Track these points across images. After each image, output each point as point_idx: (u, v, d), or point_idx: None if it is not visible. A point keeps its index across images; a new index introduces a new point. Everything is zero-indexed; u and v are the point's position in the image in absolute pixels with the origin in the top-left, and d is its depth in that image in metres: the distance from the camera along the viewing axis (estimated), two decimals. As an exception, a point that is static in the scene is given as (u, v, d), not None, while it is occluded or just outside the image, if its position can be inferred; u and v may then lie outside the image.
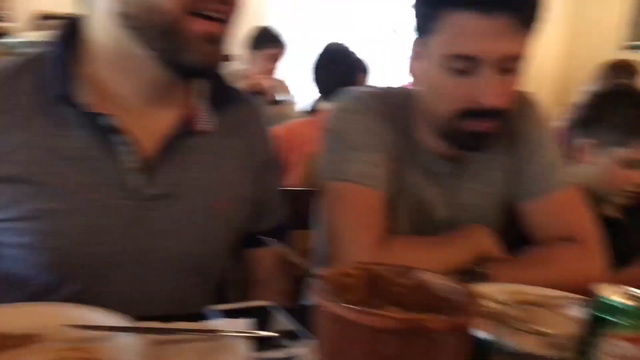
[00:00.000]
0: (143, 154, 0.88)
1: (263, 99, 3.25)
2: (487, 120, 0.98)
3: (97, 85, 0.87)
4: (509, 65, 0.96)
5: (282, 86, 3.56)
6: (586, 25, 5.40)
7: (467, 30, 0.93)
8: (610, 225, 1.47)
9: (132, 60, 0.86)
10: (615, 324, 0.59)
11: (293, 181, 1.95)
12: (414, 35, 1.05)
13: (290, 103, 3.56)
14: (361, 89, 1.14)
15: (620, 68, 3.18)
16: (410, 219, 1.11)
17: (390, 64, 4.31)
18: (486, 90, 0.95)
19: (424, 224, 1.12)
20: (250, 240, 1.05)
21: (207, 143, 0.94)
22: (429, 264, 0.69)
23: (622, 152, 1.44)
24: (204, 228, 0.94)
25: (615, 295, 0.61)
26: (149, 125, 0.90)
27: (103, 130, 0.85)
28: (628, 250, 1.46)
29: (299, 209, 1.34)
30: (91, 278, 0.88)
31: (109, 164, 0.86)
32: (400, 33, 4.50)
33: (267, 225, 1.06)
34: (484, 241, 1.05)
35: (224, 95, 0.98)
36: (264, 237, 0.62)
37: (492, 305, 0.67)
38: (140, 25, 0.82)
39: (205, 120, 0.94)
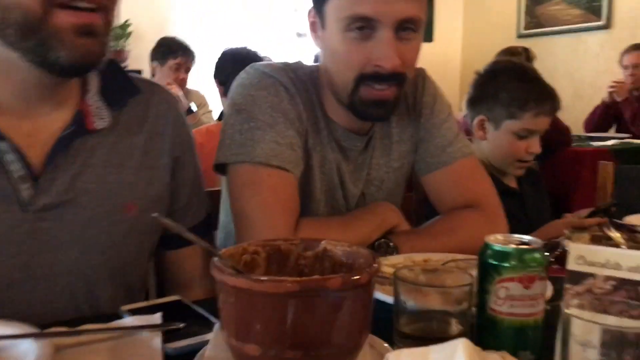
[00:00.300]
0: (33, 161, 0.82)
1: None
2: (387, 84, 0.98)
3: None
4: (407, 29, 0.97)
5: (196, 96, 3.53)
6: (485, 16, 5.68)
7: None
8: (509, 196, 1.57)
9: (2, 62, 0.80)
10: (503, 267, 0.63)
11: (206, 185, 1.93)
12: (309, 7, 1.05)
13: (206, 112, 3.53)
14: (266, 63, 1.10)
15: (516, 54, 3.35)
16: (325, 195, 1.12)
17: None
18: (384, 53, 0.95)
19: (337, 200, 1.13)
20: (172, 240, 1.02)
21: (104, 142, 0.88)
22: None
23: (513, 125, 1.54)
24: (111, 234, 0.88)
25: (500, 242, 0.65)
26: (37, 129, 0.84)
27: None
28: (526, 219, 1.55)
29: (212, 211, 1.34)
30: None
31: None
32: (306, 36, 4.56)
33: (189, 223, 1.01)
34: (390, 216, 1.08)
35: (121, 90, 0.92)
36: (187, 234, 0.60)
37: (396, 270, 0.69)
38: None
39: (100, 117, 0.87)
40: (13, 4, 0.74)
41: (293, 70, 1.09)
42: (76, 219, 0.85)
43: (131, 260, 0.94)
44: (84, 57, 0.78)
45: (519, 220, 1.51)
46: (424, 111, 1.17)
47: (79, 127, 0.86)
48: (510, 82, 1.56)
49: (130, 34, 4.04)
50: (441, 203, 1.16)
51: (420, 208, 1.59)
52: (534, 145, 1.57)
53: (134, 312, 0.79)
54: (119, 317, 0.78)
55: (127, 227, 0.91)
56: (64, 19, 0.75)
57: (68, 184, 0.85)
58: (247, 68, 1.09)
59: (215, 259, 0.58)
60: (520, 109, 1.53)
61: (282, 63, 1.11)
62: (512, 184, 1.64)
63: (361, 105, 1.01)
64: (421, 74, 1.19)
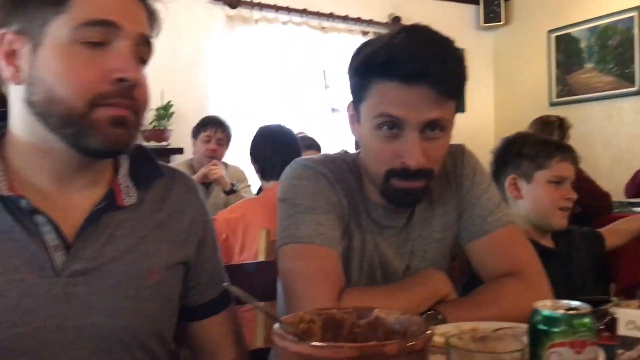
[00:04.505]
0: (66, 231, 0.91)
1: (220, 188, 3.32)
2: (413, 180, 1.06)
3: (13, 166, 0.91)
4: (433, 129, 1.04)
5: (235, 171, 3.64)
6: (516, 87, 5.76)
7: (391, 97, 1.02)
8: (547, 256, 1.58)
9: (43, 143, 0.90)
10: (553, 332, 0.64)
11: (249, 257, 1.98)
12: (350, 100, 1.14)
13: (246, 186, 3.63)
14: (307, 158, 1.20)
15: (549, 123, 3.37)
16: (365, 275, 1.16)
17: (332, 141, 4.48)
18: (409, 152, 1.03)
19: (377, 281, 1.16)
20: (195, 312, 1.07)
21: (131, 217, 0.97)
22: None
23: (544, 174, 1.61)
24: (135, 299, 0.95)
25: (549, 307, 0.66)
26: (71, 204, 0.93)
27: (25, 213, 0.88)
28: (566, 277, 1.55)
29: (257, 282, 1.41)
30: (20, 358, 0.87)
31: (33, 244, 0.88)
32: (339, 111, 4.72)
33: (211, 295, 1.08)
34: (441, 287, 1.10)
35: (147, 172, 1.01)
36: (253, 301, 0.65)
37: (447, 340, 0.71)
38: (44, 112, 0.87)
39: (128, 195, 0.97)
40: (59, 100, 0.85)
41: (332, 161, 1.19)
42: (104, 284, 0.92)
43: (153, 326, 0.99)
44: (114, 144, 0.90)
45: (559, 278, 1.52)
46: (465, 183, 1.21)
47: (110, 203, 0.95)
48: (530, 139, 1.71)
49: (172, 114, 4.24)
50: (484, 271, 1.18)
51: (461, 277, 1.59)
52: (568, 191, 1.66)
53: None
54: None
55: (150, 293, 0.97)
56: (103, 113, 0.87)
57: (97, 252, 0.93)
58: (291, 163, 1.19)
59: (277, 325, 0.62)
60: (546, 158, 1.64)
61: (322, 155, 1.22)
62: (549, 244, 1.66)
63: (392, 194, 1.09)
64: (460, 149, 1.25)
